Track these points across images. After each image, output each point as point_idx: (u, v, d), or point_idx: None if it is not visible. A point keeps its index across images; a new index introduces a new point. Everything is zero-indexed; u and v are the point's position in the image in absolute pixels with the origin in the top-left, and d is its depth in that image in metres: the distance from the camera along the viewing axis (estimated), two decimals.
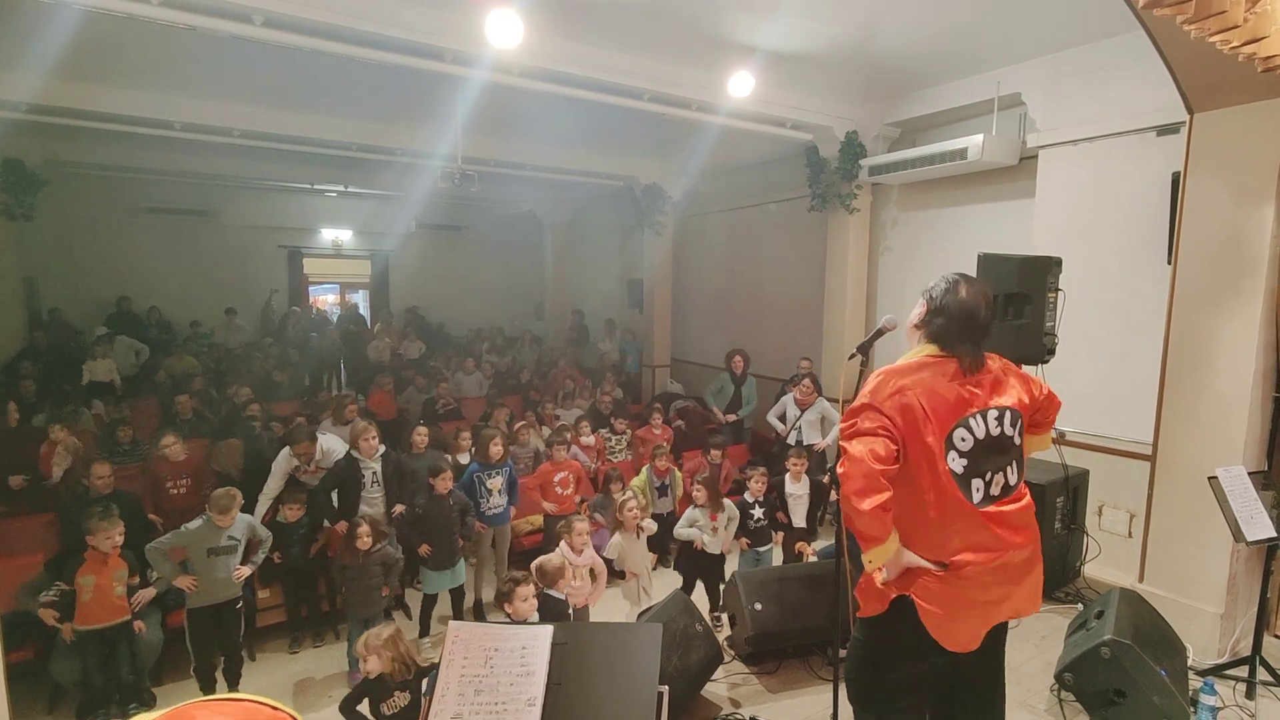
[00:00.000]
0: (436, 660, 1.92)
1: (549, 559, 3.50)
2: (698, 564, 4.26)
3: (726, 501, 4.33)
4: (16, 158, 7.09)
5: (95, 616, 3.35)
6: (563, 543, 3.76)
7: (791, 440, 5.78)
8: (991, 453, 2.13)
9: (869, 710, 2.34)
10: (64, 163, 8.23)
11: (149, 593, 3.55)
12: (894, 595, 2.17)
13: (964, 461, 2.09)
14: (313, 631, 4.31)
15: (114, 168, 8.72)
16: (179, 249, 11.00)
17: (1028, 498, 2.23)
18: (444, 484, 4.23)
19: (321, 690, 3.77)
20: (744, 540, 4.38)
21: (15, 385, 6.89)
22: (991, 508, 2.12)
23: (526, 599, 3.07)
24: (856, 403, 2.14)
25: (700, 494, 4.23)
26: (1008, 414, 2.17)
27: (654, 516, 4.69)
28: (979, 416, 2.12)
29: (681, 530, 4.26)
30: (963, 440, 2.09)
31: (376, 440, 4.49)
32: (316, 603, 4.34)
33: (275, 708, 0.75)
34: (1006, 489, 2.17)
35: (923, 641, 2.13)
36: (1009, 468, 2.18)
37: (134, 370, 8.60)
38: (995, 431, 2.13)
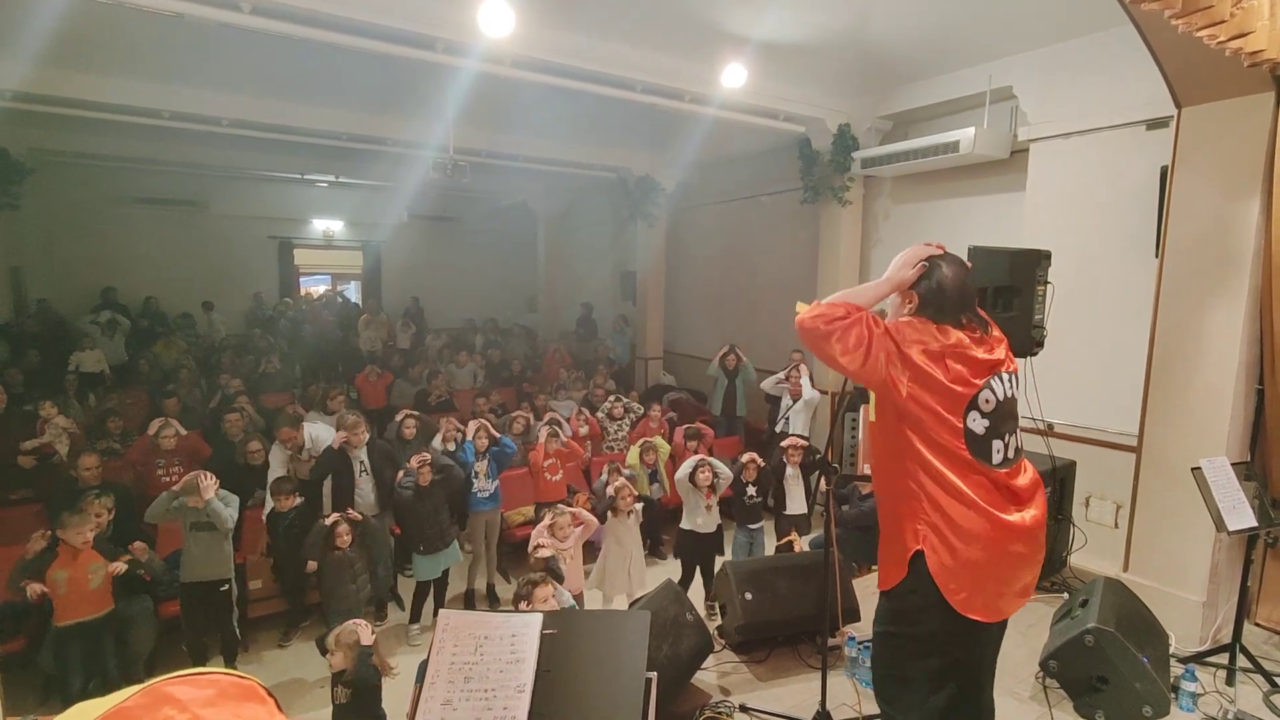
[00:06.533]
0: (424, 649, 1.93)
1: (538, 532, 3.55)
2: (694, 547, 4.30)
3: (723, 469, 4.34)
4: (2, 146, 7.00)
5: (73, 611, 3.33)
6: (546, 534, 3.77)
7: (778, 430, 5.85)
8: (1007, 416, 2.10)
9: (905, 712, 2.19)
10: (50, 151, 8.12)
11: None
12: (914, 549, 2.08)
13: (986, 423, 2.05)
14: (303, 622, 4.32)
15: (101, 157, 8.61)
16: (167, 239, 10.88)
17: (1034, 470, 2.20)
18: (424, 476, 4.25)
19: (312, 682, 3.78)
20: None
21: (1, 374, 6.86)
22: (1009, 470, 2.10)
23: (546, 600, 3.05)
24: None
25: (705, 475, 4.25)
26: (1014, 378, 2.17)
27: (645, 502, 4.73)
28: (1001, 378, 2.09)
29: (682, 473, 4.31)
30: (986, 402, 2.05)
31: (364, 432, 4.49)
32: (306, 594, 4.35)
33: (242, 677, 0.76)
34: (1017, 452, 2.16)
35: (948, 613, 2.04)
36: (1018, 432, 2.16)
37: (123, 360, 8.55)
38: (1010, 394, 2.12)
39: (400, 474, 4.41)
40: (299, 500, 4.23)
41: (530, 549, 3.61)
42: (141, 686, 0.71)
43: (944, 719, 2.14)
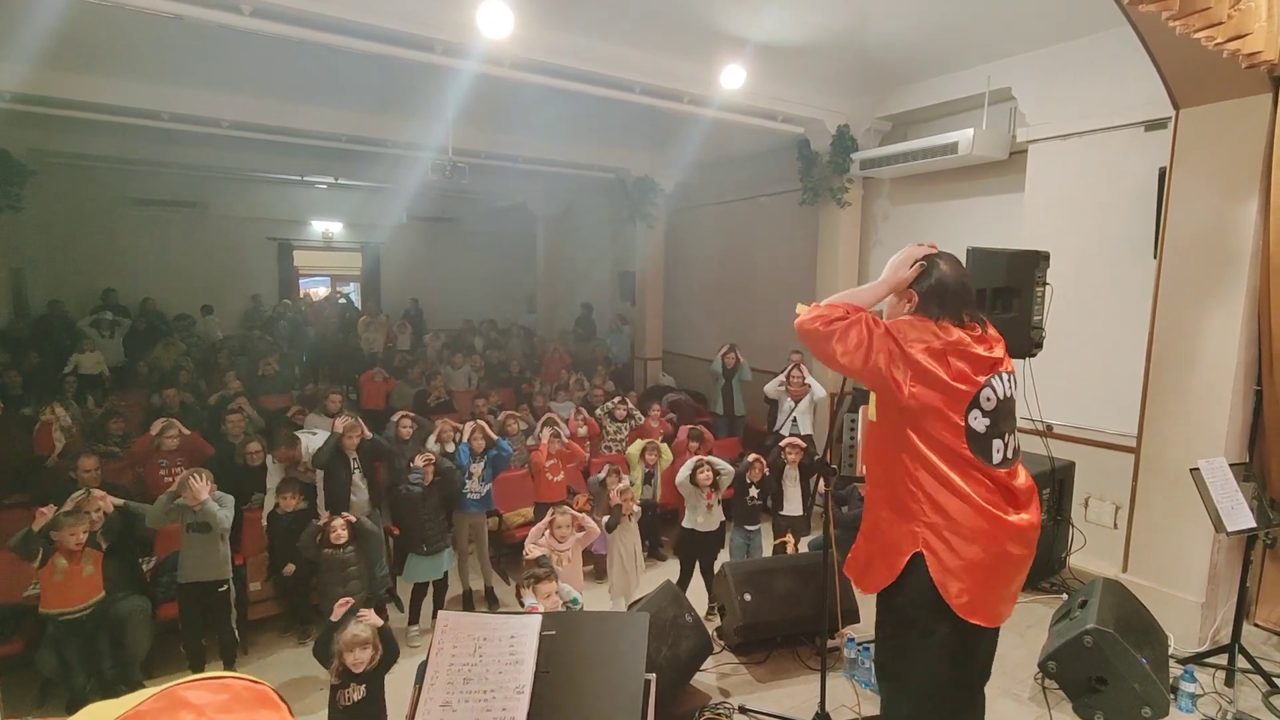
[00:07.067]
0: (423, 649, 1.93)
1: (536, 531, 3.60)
2: (693, 543, 4.31)
3: (725, 466, 4.35)
4: (2, 148, 7.00)
5: (67, 599, 3.32)
6: (546, 534, 3.78)
7: (786, 432, 5.84)
8: (1007, 415, 2.10)
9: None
10: (50, 153, 8.12)
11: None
12: (911, 553, 2.06)
13: (987, 421, 2.04)
14: (304, 625, 4.31)
15: (101, 158, 8.63)
16: (167, 241, 10.89)
17: (1028, 475, 2.18)
18: (428, 475, 4.25)
19: (312, 684, 3.78)
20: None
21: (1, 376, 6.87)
22: (1008, 471, 2.09)
23: (550, 595, 3.04)
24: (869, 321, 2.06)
25: (705, 475, 4.26)
26: (1012, 378, 2.16)
27: (642, 505, 4.74)
28: (1001, 377, 2.09)
29: (683, 475, 4.31)
30: (988, 400, 2.05)
31: (357, 435, 4.50)
32: (306, 594, 4.35)
33: (255, 682, 0.77)
34: (1016, 453, 2.15)
35: (952, 618, 2.03)
36: (1015, 432, 2.16)
37: (120, 362, 8.55)
38: (1009, 393, 2.11)
39: (409, 472, 4.41)
40: (304, 503, 4.24)
41: (525, 549, 3.61)
42: (156, 690, 0.71)
43: None
